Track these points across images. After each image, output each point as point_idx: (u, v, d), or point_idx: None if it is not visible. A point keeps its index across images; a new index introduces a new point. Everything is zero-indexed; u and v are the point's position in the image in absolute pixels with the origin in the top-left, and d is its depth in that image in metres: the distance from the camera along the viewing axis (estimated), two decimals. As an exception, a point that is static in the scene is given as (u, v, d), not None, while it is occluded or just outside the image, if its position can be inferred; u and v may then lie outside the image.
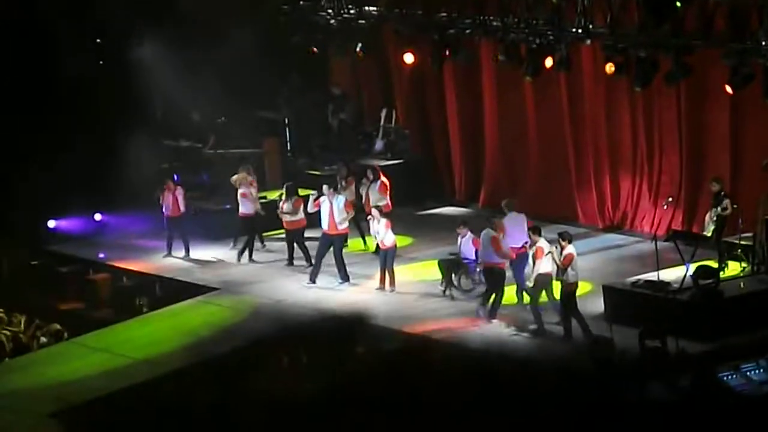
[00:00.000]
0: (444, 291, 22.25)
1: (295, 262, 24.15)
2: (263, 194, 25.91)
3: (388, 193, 24.32)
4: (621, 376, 15.58)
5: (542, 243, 20.61)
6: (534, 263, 20.64)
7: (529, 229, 21.04)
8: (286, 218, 23.98)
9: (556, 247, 20.34)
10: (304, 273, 23.64)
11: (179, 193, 24.92)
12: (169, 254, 25.09)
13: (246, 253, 24.62)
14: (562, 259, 20.11)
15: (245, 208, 24.71)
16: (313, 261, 23.44)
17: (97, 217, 26.95)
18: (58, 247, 26.37)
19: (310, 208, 23.65)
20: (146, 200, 25.64)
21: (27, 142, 25.63)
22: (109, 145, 26.20)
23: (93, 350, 21.43)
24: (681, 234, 22.14)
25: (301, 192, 24.50)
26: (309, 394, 17.83)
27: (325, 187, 23.39)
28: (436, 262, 22.71)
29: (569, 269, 20.06)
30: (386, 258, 22.67)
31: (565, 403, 13.27)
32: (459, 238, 22.31)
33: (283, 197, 24.11)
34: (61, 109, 26.09)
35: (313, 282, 23.17)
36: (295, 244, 24.05)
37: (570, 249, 20.20)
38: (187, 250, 25.07)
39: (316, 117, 28.92)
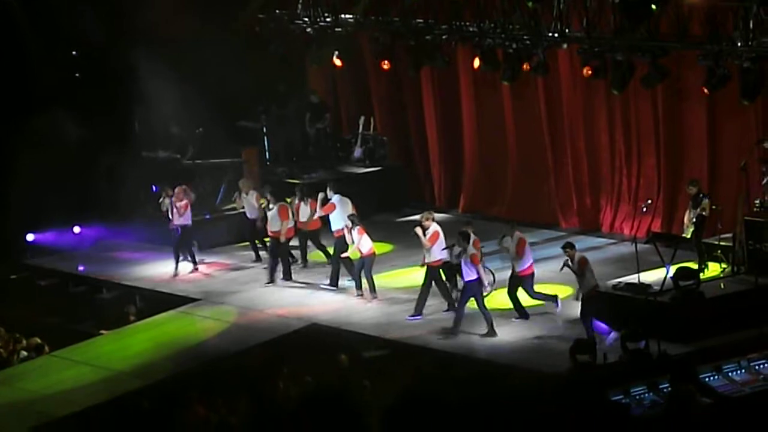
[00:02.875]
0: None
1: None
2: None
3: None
4: (603, 379, 15.59)
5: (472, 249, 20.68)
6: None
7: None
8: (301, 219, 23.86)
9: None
10: (284, 281, 23.74)
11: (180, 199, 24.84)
12: (190, 261, 24.81)
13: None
14: (576, 266, 20.12)
15: (251, 213, 24.72)
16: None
17: (76, 229, 26.89)
18: (37, 261, 26.30)
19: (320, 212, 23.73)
20: (124, 212, 25.57)
21: (2, 156, 25.54)
22: (87, 157, 26.14)
23: (74, 363, 21.35)
24: (661, 236, 22.17)
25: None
26: (294, 402, 17.81)
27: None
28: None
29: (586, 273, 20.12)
30: (363, 265, 22.64)
31: (548, 406, 13.27)
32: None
33: (297, 199, 24.00)
34: (38, 122, 26.01)
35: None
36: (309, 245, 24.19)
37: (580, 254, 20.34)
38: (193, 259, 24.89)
39: (294, 125, 28.91)
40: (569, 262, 20.24)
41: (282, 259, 23.86)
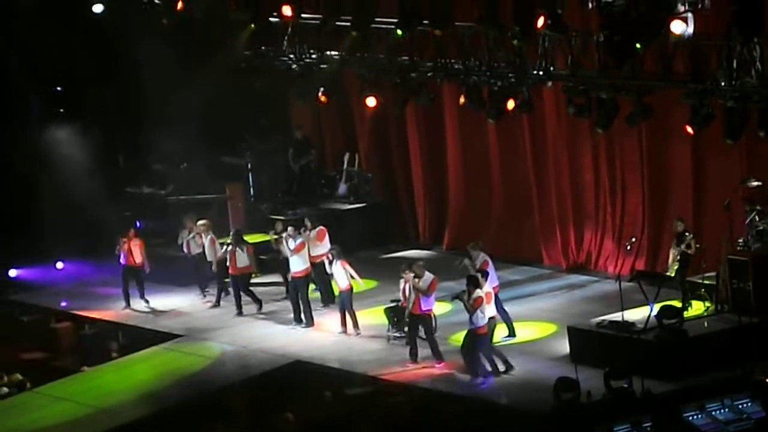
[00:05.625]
0: (388, 339, 22.18)
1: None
2: (223, 240, 25.82)
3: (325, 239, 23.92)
4: (587, 417, 15.55)
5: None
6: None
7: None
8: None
9: (463, 291, 20.19)
10: (265, 319, 23.75)
11: (136, 243, 24.73)
12: (128, 306, 24.79)
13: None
14: (471, 302, 20.00)
15: (209, 255, 24.62)
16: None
17: (59, 265, 26.81)
18: (20, 297, 26.20)
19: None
20: (108, 248, 25.53)
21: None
22: (70, 193, 26.10)
23: (56, 400, 21.25)
24: (645, 274, 22.15)
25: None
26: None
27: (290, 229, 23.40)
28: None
29: (478, 312, 20.02)
30: (343, 300, 22.58)
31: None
32: (402, 283, 21.66)
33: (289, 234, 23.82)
34: (21, 158, 26.00)
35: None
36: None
37: (480, 292, 20.11)
38: (144, 299, 24.85)
39: (278, 162, 28.91)
40: (464, 297, 20.07)
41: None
